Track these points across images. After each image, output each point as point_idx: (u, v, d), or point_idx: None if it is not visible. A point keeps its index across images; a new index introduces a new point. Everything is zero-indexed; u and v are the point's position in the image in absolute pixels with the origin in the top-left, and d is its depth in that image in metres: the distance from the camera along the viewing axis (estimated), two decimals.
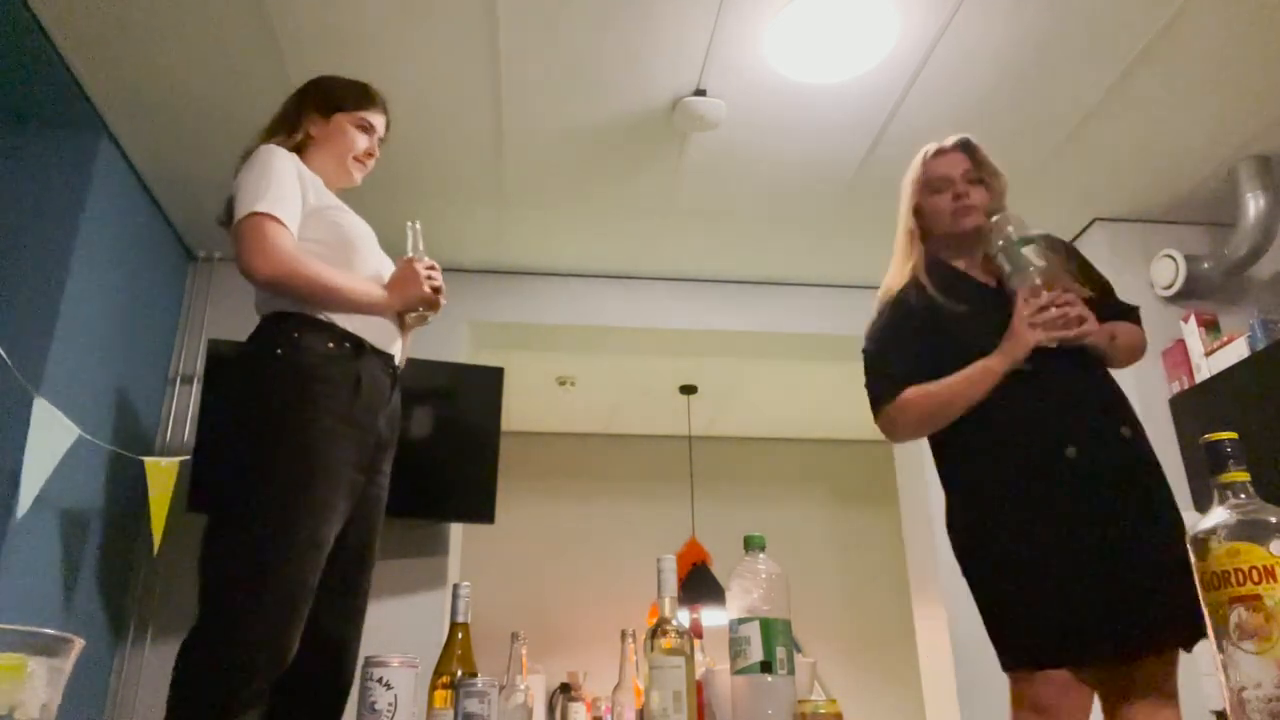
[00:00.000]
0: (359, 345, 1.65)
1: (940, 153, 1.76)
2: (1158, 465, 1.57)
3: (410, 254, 1.78)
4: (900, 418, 1.65)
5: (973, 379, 1.57)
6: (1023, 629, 1.49)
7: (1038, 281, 1.59)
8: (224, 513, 1.54)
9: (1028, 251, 1.61)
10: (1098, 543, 1.46)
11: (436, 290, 1.77)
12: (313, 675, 1.59)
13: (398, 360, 1.77)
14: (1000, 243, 1.65)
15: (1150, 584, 1.42)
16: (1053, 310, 1.56)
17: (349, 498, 1.61)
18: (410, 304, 1.74)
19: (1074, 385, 1.58)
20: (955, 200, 1.70)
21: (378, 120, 1.89)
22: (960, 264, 1.73)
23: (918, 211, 1.75)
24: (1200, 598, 1.35)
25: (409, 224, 1.81)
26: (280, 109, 1.88)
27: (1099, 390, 1.60)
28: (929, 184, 1.74)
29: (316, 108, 1.84)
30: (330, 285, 1.63)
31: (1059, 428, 1.53)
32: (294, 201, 1.66)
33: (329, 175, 1.83)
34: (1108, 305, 1.69)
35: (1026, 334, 1.55)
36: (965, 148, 1.75)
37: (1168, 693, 1.45)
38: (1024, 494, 1.52)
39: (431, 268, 1.77)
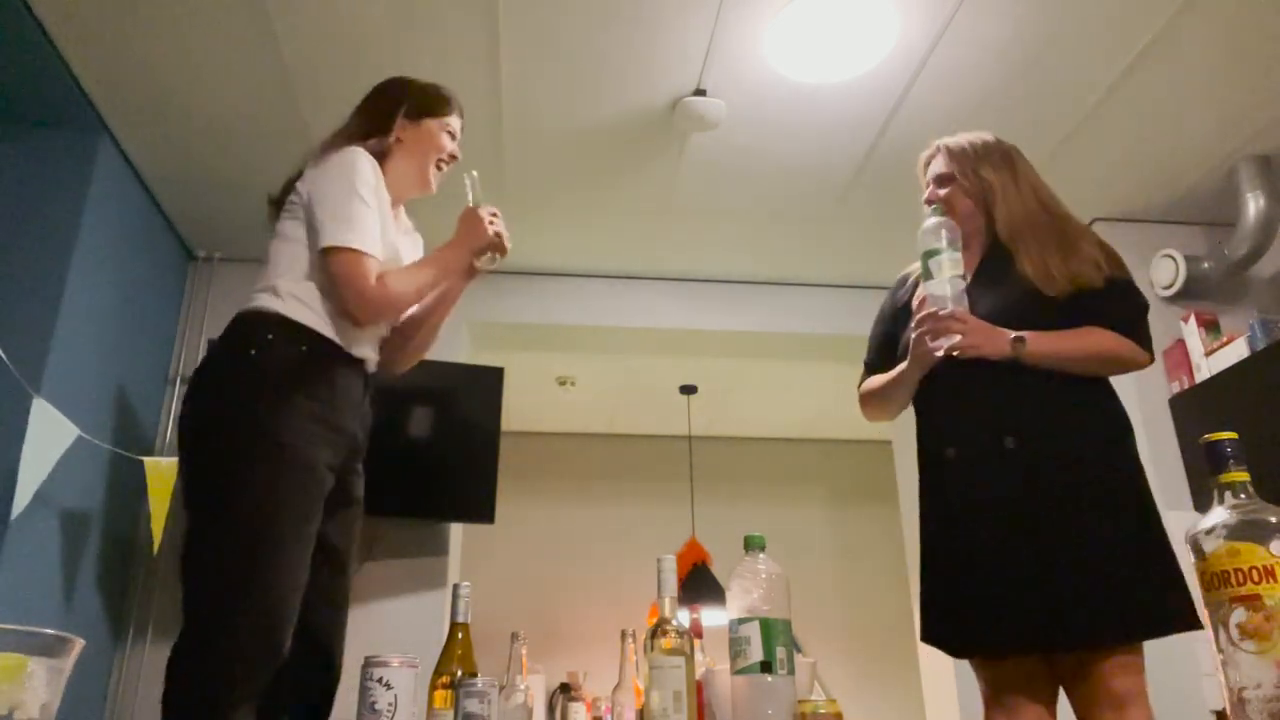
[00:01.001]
0: (332, 347, 1.65)
1: (927, 160, 1.80)
2: (1078, 475, 1.49)
3: (470, 204, 1.81)
4: (861, 402, 1.85)
5: (892, 380, 1.73)
6: (922, 608, 1.62)
7: (926, 297, 1.64)
8: (204, 515, 1.52)
9: (931, 264, 1.63)
10: (970, 542, 1.52)
11: (500, 235, 1.79)
12: (301, 676, 1.58)
13: (370, 367, 1.78)
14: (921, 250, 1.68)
15: (1009, 589, 1.45)
16: (924, 326, 1.60)
17: (322, 497, 1.60)
18: (479, 250, 1.78)
19: (976, 389, 1.58)
20: (925, 205, 1.75)
21: (458, 127, 1.91)
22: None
23: None
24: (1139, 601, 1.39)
25: (466, 175, 1.83)
26: (367, 106, 1.86)
27: (1003, 396, 1.56)
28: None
29: (407, 112, 1.84)
30: (421, 290, 1.73)
31: (944, 429, 1.63)
32: (377, 223, 1.68)
33: (407, 182, 1.83)
34: (1080, 306, 1.58)
35: (913, 352, 1.64)
36: (940, 150, 1.77)
37: (1118, 695, 1.40)
38: (925, 488, 1.66)
39: (493, 213, 1.80)
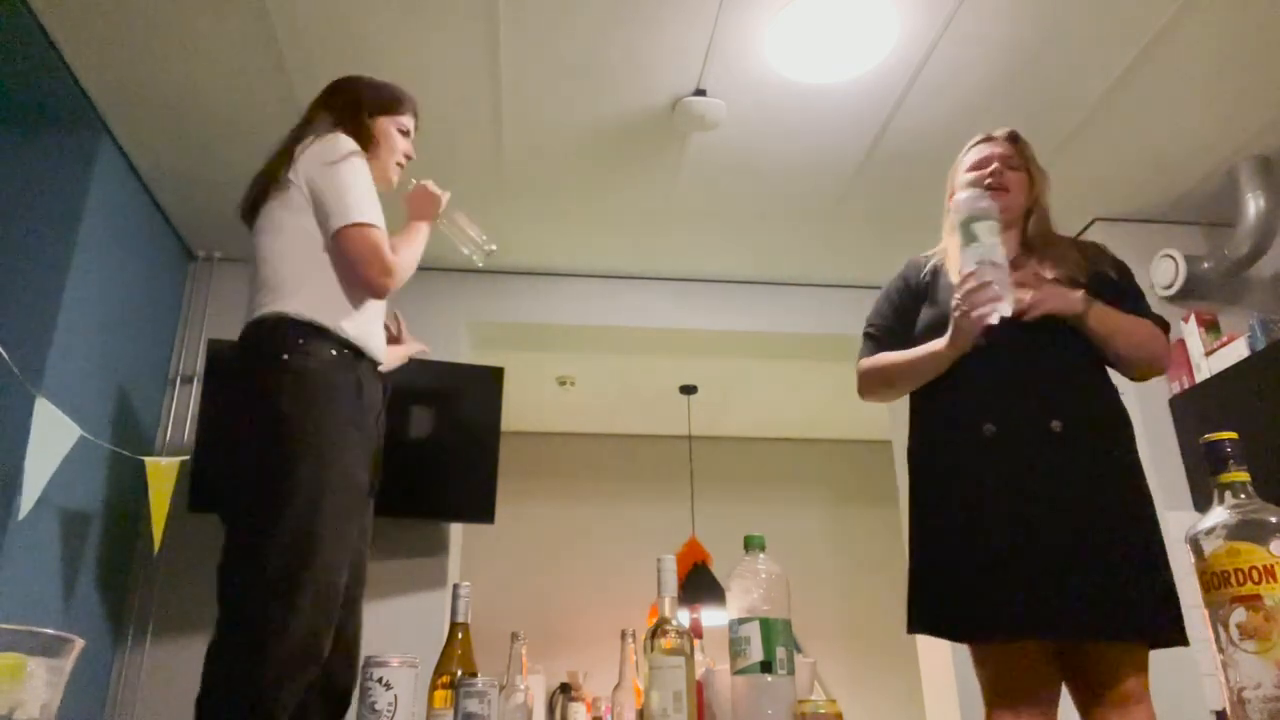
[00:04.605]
0: (358, 352, 1.69)
1: (986, 139, 1.78)
2: (1113, 468, 1.51)
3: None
4: (861, 379, 1.75)
5: (922, 358, 1.63)
6: (917, 594, 1.57)
7: (974, 264, 1.53)
8: (250, 521, 1.54)
9: (976, 228, 1.55)
10: (1005, 522, 1.47)
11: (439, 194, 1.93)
12: (330, 674, 1.60)
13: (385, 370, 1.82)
14: (954, 220, 1.61)
15: (1045, 574, 1.43)
16: (967, 287, 1.52)
17: (360, 498, 1.64)
18: (437, 214, 1.92)
19: (1019, 367, 1.56)
20: (987, 178, 1.71)
21: (411, 124, 1.96)
22: None
23: (952, 196, 1.78)
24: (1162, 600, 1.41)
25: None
26: (331, 104, 1.88)
27: (1047, 377, 1.55)
28: (968, 165, 1.76)
29: (369, 111, 1.88)
30: (417, 255, 1.82)
31: (983, 404, 1.55)
32: (377, 201, 1.75)
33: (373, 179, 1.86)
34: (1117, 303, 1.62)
35: (959, 324, 1.55)
36: (1012, 138, 1.77)
37: (1128, 693, 1.42)
38: (942, 462, 1.59)
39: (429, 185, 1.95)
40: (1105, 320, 1.57)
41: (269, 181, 1.74)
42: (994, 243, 1.54)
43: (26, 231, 2.47)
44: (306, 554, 1.49)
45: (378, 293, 1.71)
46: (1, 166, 2.50)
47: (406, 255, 1.76)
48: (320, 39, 2.33)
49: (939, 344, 1.59)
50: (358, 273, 1.67)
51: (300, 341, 1.61)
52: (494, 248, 1.99)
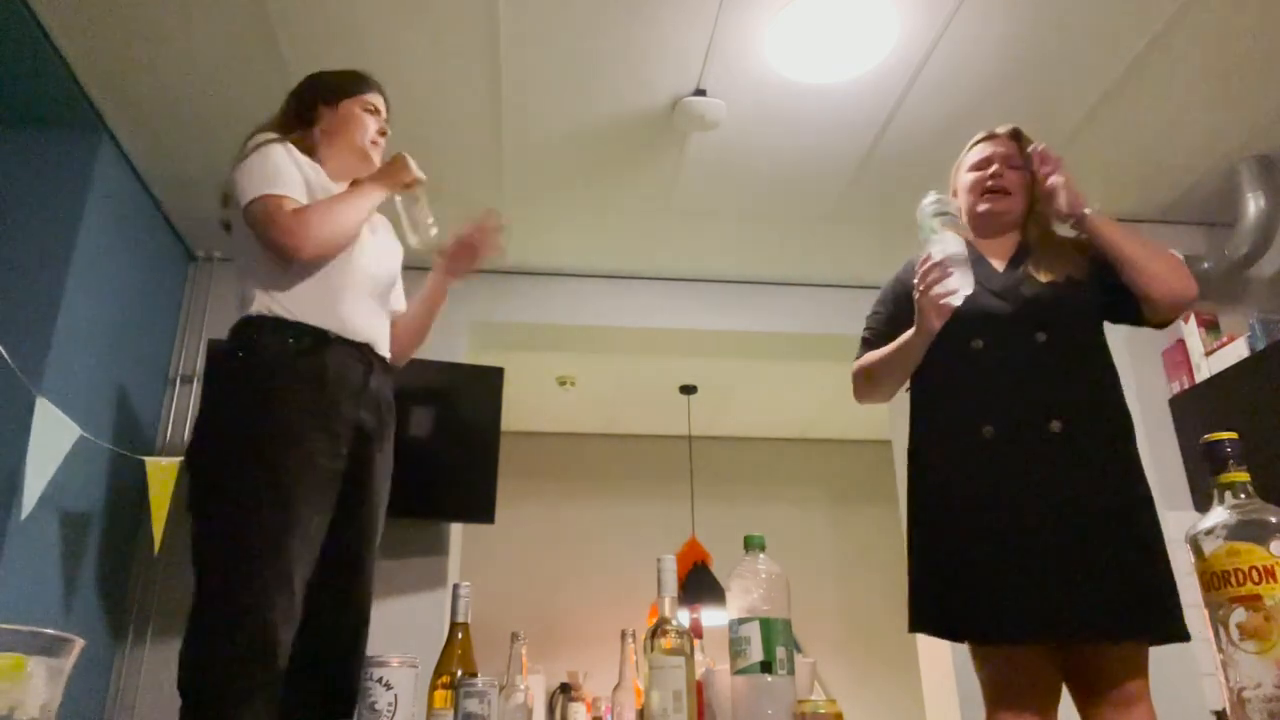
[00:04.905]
0: (322, 337, 1.66)
1: (989, 137, 1.78)
2: (1113, 469, 1.51)
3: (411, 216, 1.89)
4: (852, 381, 1.78)
5: (897, 349, 1.66)
6: (918, 594, 1.58)
7: (929, 250, 1.59)
8: (201, 514, 1.56)
9: (932, 223, 1.61)
10: (1004, 524, 1.48)
11: (416, 179, 1.84)
12: (329, 675, 1.59)
13: (379, 349, 1.77)
14: (918, 218, 1.65)
15: (1050, 577, 1.43)
16: (922, 269, 1.56)
17: (326, 489, 1.61)
18: (395, 184, 1.82)
19: (1016, 367, 1.56)
20: (988, 180, 1.72)
21: (379, 102, 1.92)
22: (984, 245, 1.73)
23: (955, 194, 1.79)
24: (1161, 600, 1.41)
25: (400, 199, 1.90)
26: (283, 109, 1.89)
27: (1047, 378, 1.55)
28: (970, 165, 1.77)
29: (323, 100, 1.86)
30: (344, 213, 1.69)
31: (983, 406, 1.56)
32: (293, 175, 1.70)
33: (347, 166, 1.85)
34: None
35: (921, 306, 1.58)
36: (1015, 136, 1.77)
37: (1129, 693, 1.42)
38: (941, 464, 1.59)
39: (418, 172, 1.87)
40: (1107, 223, 1.58)
41: (222, 205, 1.79)
42: (949, 234, 1.59)
43: (27, 231, 2.47)
44: (257, 545, 1.49)
45: (291, 254, 1.62)
46: (1, 166, 2.51)
47: (325, 210, 1.66)
48: (321, 41, 2.33)
49: (909, 333, 1.63)
50: (267, 243, 1.63)
51: (254, 337, 1.63)
52: (436, 231, 1.89)
